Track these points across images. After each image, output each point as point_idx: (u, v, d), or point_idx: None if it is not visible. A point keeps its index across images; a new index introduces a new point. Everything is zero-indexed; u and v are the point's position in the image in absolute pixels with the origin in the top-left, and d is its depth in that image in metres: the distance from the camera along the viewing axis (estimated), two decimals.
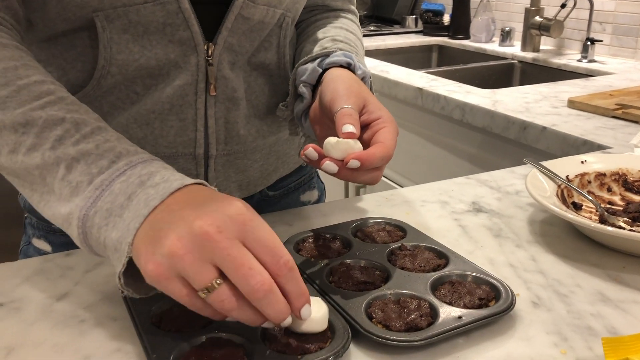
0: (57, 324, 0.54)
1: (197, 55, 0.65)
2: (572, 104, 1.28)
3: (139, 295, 0.49)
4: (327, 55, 0.68)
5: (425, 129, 1.55)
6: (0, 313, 0.56)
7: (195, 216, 0.44)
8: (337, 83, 0.63)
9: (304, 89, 0.68)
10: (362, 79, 0.67)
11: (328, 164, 0.56)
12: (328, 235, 0.68)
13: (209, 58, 0.66)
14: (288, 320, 0.46)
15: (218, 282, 0.43)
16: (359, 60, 0.69)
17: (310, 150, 0.57)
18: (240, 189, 0.77)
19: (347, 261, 0.61)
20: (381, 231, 0.69)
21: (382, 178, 1.76)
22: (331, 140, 0.56)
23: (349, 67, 0.67)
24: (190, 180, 0.49)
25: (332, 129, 0.60)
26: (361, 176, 0.57)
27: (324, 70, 0.67)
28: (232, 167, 0.74)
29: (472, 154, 1.40)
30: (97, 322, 0.54)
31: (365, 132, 0.60)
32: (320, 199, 0.92)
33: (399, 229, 0.69)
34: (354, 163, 0.55)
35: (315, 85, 0.68)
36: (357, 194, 1.83)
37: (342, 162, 0.56)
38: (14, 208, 0.85)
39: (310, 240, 0.67)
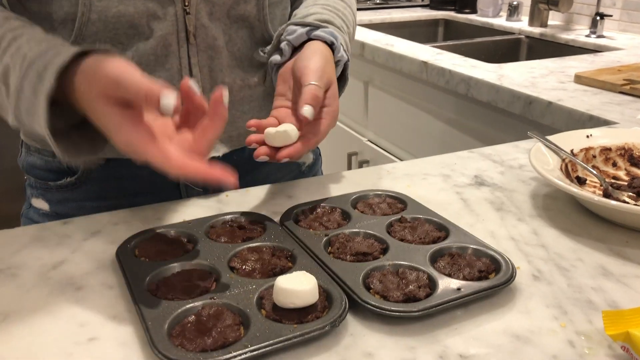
0: (54, 291, 0.54)
1: (175, 5, 0.68)
2: (579, 79, 1.25)
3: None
4: (318, 27, 0.72)
5: (429, 104, 1.53)
6: None
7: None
8: (316, 57, 0.68)
9: (286, 47, 0.72)
10: (337, 62, 0.72)
11: (263, 158, 0.64)
12: (327, 207, 0.67)
13: (187, 7, 0.69)
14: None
15: None
16: (342, 43, 0.73)
17: (254, 144, 0.64)
18: (230, 140, 0.78)
19: (346, 232, 0.61)
20: (381, 203, 0.68)
21: (385, 153, 1.75)
22: (270, 130, 0.63)
23: (331, 46, 0.71)
24: (65, 56, 0.54)
25: (294, 92, 0.69)
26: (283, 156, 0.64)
27: (309, 39, 0.71)
28: None
29: (476, 129, 1.38)
30: (93, 290, 0.54)
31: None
32: (316, 163, 0.92)
33: (399, 202, 0.69)
34: (284, 160, 0.63)
35: (296, 48, 0.72)
36: (360, 166, 1.82)
37: (274, 152, 0.64)
38: (20, 182, 0.86)
39: (310, 212, 0.66)
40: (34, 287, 0.54)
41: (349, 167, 1.91)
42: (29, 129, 0.60)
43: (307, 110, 0.63)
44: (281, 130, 0.63)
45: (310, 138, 0.65)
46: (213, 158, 0.78)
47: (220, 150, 0.78)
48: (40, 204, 0.79)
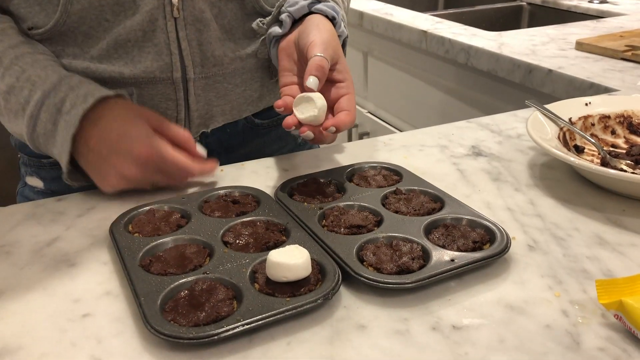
0: (48, 268, 0.54)
1: None
2: (581, 46, 1.23)
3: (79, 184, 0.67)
4: (319, 0, 0.71)
5: (429, 74, 1.51)
6: None
7: (116, 161, 0.63)
8: (320, 31, 0.66)
9: (286, 19, 0.71)
10: (338, 37, 0.70)
11: (308, 134, 0.62)
12: (322, 180, 0.67)
13: None
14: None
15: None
16: (342, 18, 0.72)
17: (289, 122, 0.62)
18: (224, 114, 0.78)
19: (341, 205, 0.60)
20: (377, 175, 0.67)
21: (382, 123, 1.75)
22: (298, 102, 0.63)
23: (332, 20, 0.70)
24: (91, 101, 0.63)
25: (299, 67, 0.68)
26: (328, 138, 0.64)
27: (310, 12, 0.70)
28: (212, 91, 0.75)
29: (477, 99, 1.37)
30: (87, 266, 0.54)
31: (329, 90, 0.66)
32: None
33: (395, 173, 0.68)
34: (332, 129, 0.62)
35: (296, 20, 0.71)
36: (360, 138, 1.81)
37: (318, 129, 0.62)
38: (15, 160, 0.86)
39: (304, 185, 0.66)
40: (28, 264, 0.55)
41: (349, 140, 1.90)
42: (43, 149, 0.67)
43: (311, 81, 0.62)
44: (308, 99, 0.62)
45: (347, 114, 0.64)
46: (204, 133, 0.78)
47: (214, 124, 0.77)
48: (35, 181, 0.79)
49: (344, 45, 0.73)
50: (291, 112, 0.63)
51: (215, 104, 0.76)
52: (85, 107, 0.62)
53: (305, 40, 0.65)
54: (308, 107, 0.62)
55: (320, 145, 0.94)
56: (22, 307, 0.49)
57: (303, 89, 0.66)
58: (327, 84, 0.66)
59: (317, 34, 0.65)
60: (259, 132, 0.84)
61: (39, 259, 0.55)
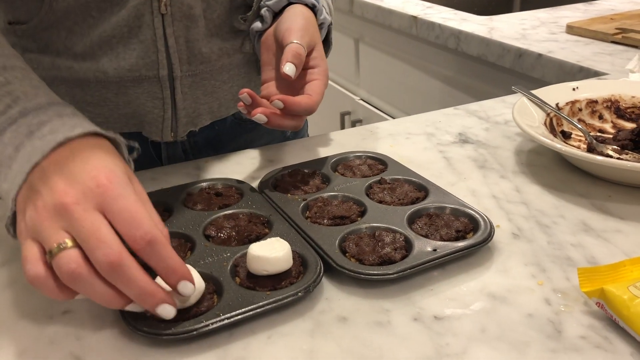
0: None
1: None
2: (571, 29, 1.23)
3: None
4: None
5: (419, 59, 1.50)
6: None
7: (58, 188, 0.43)
8: (297, 18, 0.66)
9: (266, 13, 0.70)
10: (321, 24, 0.70)
11: (259, 116, 0.59)
12: (307, 171, 0.66)
13: None
14: (165, 308, 0.42)
15: (67, 244, 0.41)
16: (323, 5, 0.71)
17: (245, 95, 0.60)
18: (211, 112, 0.76)
19: (324, 196, 0.60)
20: (362, 165, 0.67)
21: (374, 110, 1.73)
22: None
23: (312, 8, 0.69)
24: (76, 132, 0.46)
25: (278, 58, 0.65)
26: (286, 121, 0.61)
27: (290, 3, 0.69)
28: (199, 88, 0.74)
29: (467, 84, 1.36)
30: None
31: (302, 76, 0.64)
32: (301, 128, 0.90)
33: (380, 162, 0.68)
34: (277, 103, 0.59)
35: (277, 14, 0.70)
36: (353, 126, 1.80)
37: (269, 110, 0.60)
38: None
39: (289, 176, 0.65)
40: (9, 261, 0.54)
41: (342, 127, 1.89)
42: None
43: (288, 68, 0.60)
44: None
45: (306, 97, 0.62)
46: (192, 132, 0.77)
47: (202, 123, 0.76)
48: None
49: (329, 33, 0.73)
50: (252, 107, 0.60)
51: (203, 101, 0.75)
52: (69, 136, 0.46)
53: (282, 29, 0.65)
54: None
55: (308, 134, 0.93)
56: (2, 304, 0.48)
57: (279, 84, 0.65)
58: (301, 71, 0.64)
59: (293, 21, 0.65)
60: (247, 127, 0.83)
61: (19, 256, 0.55)
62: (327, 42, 0.73)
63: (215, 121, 0.77)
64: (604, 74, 0.98)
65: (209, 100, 0.75)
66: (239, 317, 0.44)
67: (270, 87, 0.66)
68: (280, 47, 0.65)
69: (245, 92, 0.60)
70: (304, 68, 0.65)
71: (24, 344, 0.44)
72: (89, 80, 0.68)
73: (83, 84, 0.68)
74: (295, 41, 0.62)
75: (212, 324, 0.43)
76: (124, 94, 0.70)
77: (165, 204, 0.60)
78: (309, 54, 0.65)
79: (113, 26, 0.66)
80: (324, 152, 0.74)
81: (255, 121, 0.60)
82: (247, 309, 0.44)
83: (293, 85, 0.64)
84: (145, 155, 0.75)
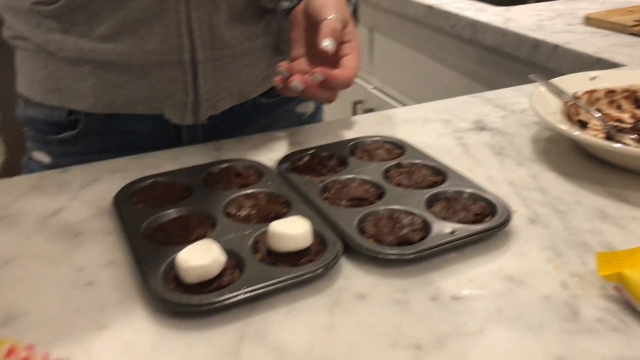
0: (52, 237, 0.54)
1: None
2: (589, 21, 1.22)
3: None
4: None
5: (434, 49, 1.50)
6: None
7: None
8: None
9: None
10: (348, 1, 0.69)
11: (295, 83, 0.61)
12: (325, 154, 0.67)
13: None
14: None
15: None
16: None
17: (283, 68, 0.62)
18: (232, 96, 0.77)
19: (342, 178, 0.61)
20: (379, 149, 0.67)
21: (390, 101, 1.73)
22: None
23: None
24: None
25: (309, 35, 0.66)
26: (321, 93, 0.63)
27: None
28: (220, 72, 0.74)
29: (481, 75, 1.36)
30: (92, 236, 0.55)
31: (335, 51, 0.64)
32: (316, 112, 0.91)
33: (398, 147, 0.68)
34: (318, 76, 0.61)
35: None
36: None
37: (305, 81, 0.61)
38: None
39: (307, 159, 0.66)
40: (33, 234, 0.55)
41: (354, 115, 1.89)
42: None
43: (327, 43, 0.61)
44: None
45: (342, 70, 0.63)
46: (212, 116, 0.77)
47: (223, 107, 0.76)
48: (42, 156, 0.79)
49: (355, 12, 0.73)
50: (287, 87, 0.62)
51: (224, 85, 0.75)
52: None
53: (314, 5, 0.65)
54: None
55: (324, 119, 0.94)
56: (28, 276, 0.50)
57: (311, 60, 0.66)
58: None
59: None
60: (266, 110, 0.84)
61: (44, 229, 0.56)
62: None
63: (235, 105, 0.78)
64: (621, 65, 0.98)
65: (230, 85, 0.76)
66: (260, 291, 0.45)
67: (301, 64, 0.66)
68: (311, 23, 0.66)
69: (283, 65, 0.62)
70: (339, 43, 0.65)
71: (49, 313, 0.45)
72: (112, 63, 0.69)
73: (106, 65, 0.69)
74: (331, 16, 0.63)
75: (233, 297, 0.44)
76: (146, 77, 0.70)
77: (185, 183, 0.61)
78: (342, 29, 0.65)
79: (137, 9, 0.66)
80: (340, 136, 0.75)
81: (289, 93, 0.61)
82: (268, 283, 0.45)
83: (327, 61, 0.65)
84: (166, 137, 0.76)
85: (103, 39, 0.68)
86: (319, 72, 0.61)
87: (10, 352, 0.40)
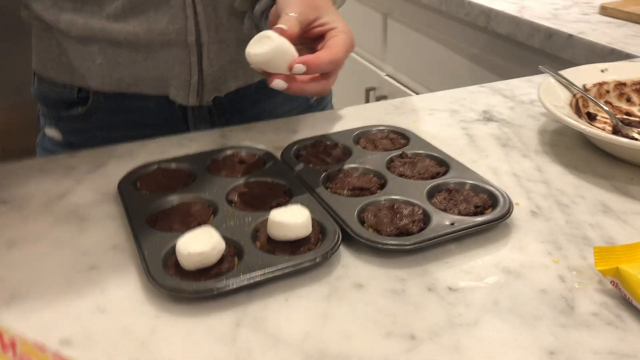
0: (58, 221, 0.55)
1: None
2: (605, 10, 1.20)
3: None
4: None
5: (447, 36, 1.49)
6: (3, 209, 0.57)
7: None
8: None
9: None
10: None
11: (277, 82, 0.54)
12: (329, 142, 0.67)
13: None
14: None
15: None
16: None
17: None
18: (236, 78, 0.78)
19: (345, 168, 0.61)
20: (384, 139, 0.67)
21: (403, 88, 1.72)
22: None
23: None
24: None
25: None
26: (310, 86, 0.56)
27: None
28: (226, 55, 0.75)
29: (494, 63, 1.35)
30: (96, 220, 0.56)
31: (318, 44, 0.59)
32: (325, 96, 0.91)
33: (402, 137, 0.68)
34: (299, 67, 0.53)
35: None
36: (378, 101, 1.80)
37: (289, 76, 0.53)
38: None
39: (311, 147, 0.66)
40: (39, 217, 0.56)
41: (367, 102, 1.89)
42: None
43: (297, 68, 0.54)
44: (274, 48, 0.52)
45: (324, 51, 0.57)
46: (217, 97, 0.78)
47: (227, 89, 0.77)
48: (53, 132, 0.81)
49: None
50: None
51: (228, 68, 0.76)
52: None
53: (279, 6, 0.61)
54: (264, 43, 0.53)
55: (334, 106, 0.94)
56: (32, 258, 0.51)
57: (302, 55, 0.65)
58: (320, 40, 0.60)
59: None
60: (270, 93, 0.84)
61: (50, 212, 0.57)
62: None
63: (240, 87, 0.79)
64: (636, 56, 0.97)
65: (235, 68, 0.76)
66: (259, 278, 0.45)
67: None
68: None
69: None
70: (322, 36, 0.60)
71: (51, 296, 0.46)
72: (120, 42, 0.70)
73: (114, 45, 0.71)
74: (286, 14, 0.58)
75: (232, 283, 0.45)
76: (153, 57, 0.71)
77: (189, 169, 0.61)
78: (315, 23, 0.60)
79: None
80: (346, 125, 0.75)
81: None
82: (266, 270, 0.46)
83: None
84: (172, 118, 0.77)
85: (112, 19, 0.70)
86: (298, 64, 0.53)
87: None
